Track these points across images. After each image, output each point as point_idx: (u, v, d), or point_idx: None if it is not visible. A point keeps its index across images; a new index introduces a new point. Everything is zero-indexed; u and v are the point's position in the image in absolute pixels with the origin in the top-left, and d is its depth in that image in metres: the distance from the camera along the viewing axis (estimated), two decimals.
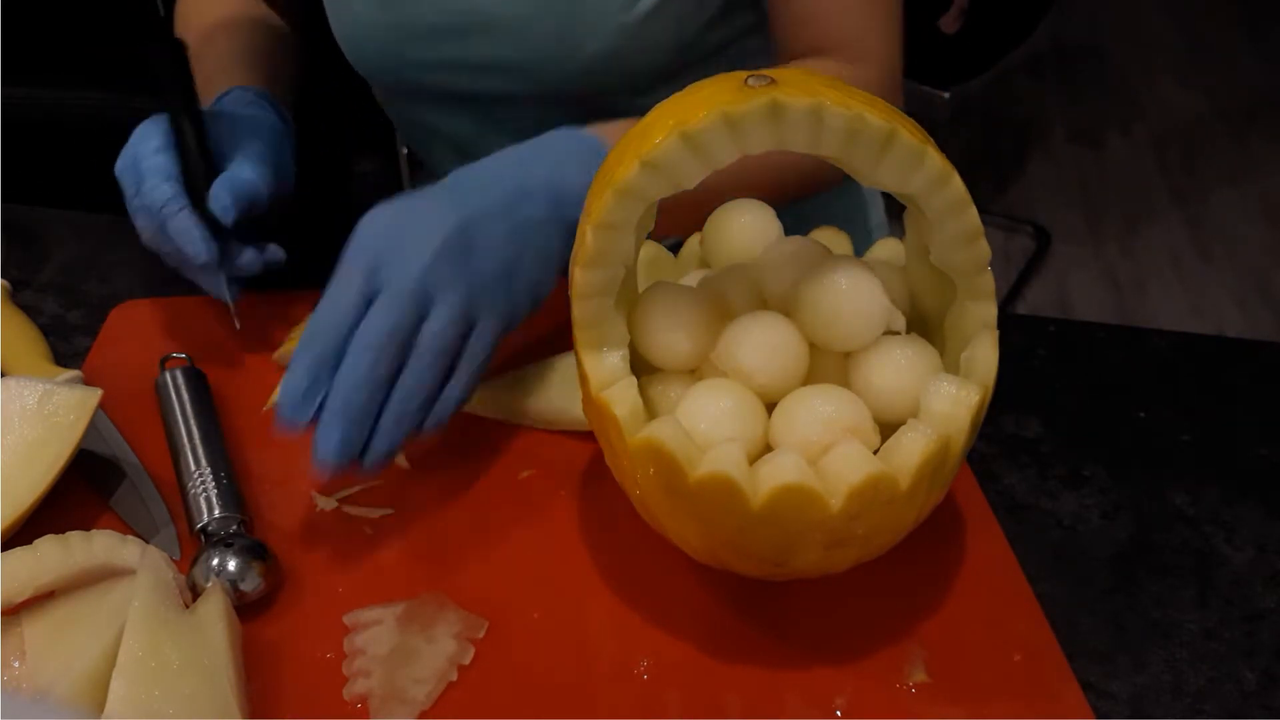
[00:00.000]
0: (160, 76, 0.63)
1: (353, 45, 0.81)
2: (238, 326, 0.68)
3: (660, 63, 0.75)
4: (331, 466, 0.52)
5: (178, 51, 0.63)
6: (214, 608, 0.49)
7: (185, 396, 0.62)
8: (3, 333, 0.68)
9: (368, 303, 0.54)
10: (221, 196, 0.63)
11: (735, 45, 0.80)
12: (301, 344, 0.54)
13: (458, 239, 0.55)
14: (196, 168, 0.64)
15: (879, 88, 0.73)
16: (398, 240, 0.55)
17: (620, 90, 0.75)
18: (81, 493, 0.58)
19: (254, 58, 0.78)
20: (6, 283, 0.73)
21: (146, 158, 0.64)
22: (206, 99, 0.72)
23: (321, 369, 0.53)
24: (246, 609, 0.52)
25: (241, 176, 0.64)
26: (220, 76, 0.75)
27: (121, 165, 0.66)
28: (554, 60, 0.74)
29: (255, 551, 0.53)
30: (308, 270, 0.72)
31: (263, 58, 0.78)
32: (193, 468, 0.57)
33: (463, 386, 0.56)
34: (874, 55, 0.74)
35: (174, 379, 0.63)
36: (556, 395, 0.62)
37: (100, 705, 0.44)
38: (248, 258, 0.66)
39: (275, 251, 0.67)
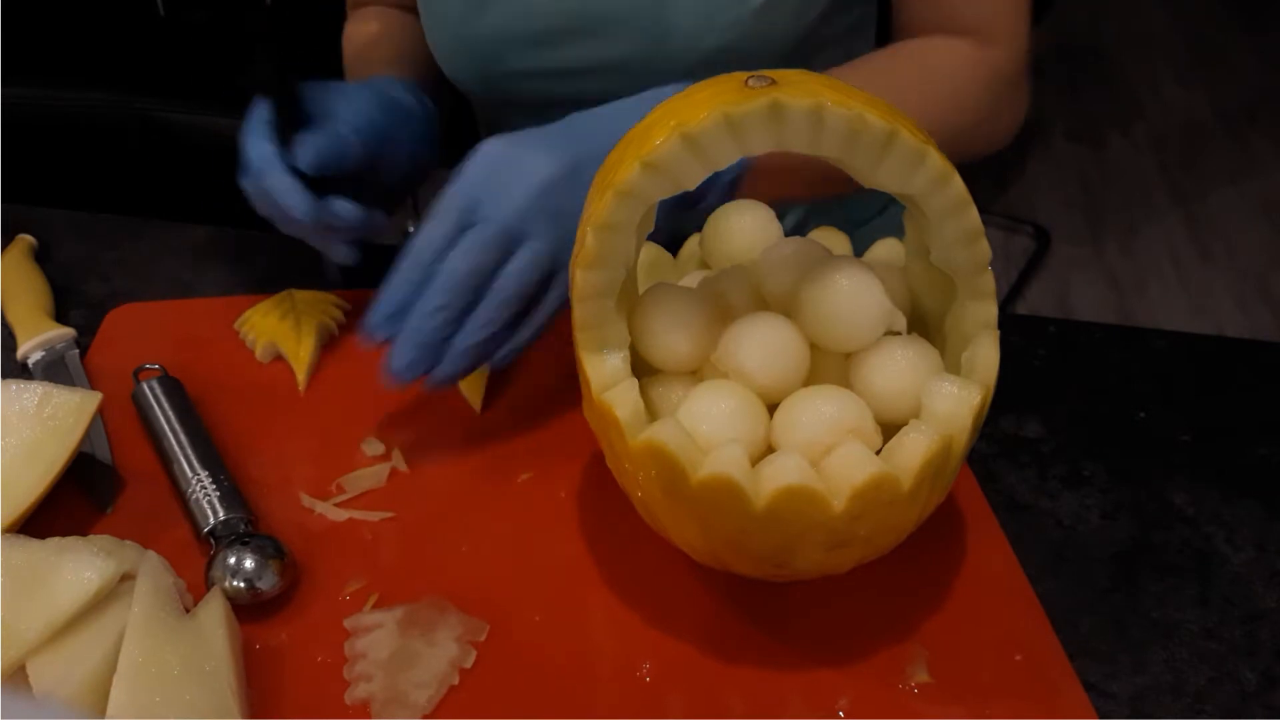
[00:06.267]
0: (254, 46, 0.63)
1: (449, 55, 0.80)
2: (335, 279, 0.68)
3: (772, 59, 0.73)
4: (398, 382, 0.57)
5: (268, 20, 0.63)
6: (214, 612, 0.49)
7: (166, 406, 0.62)
8: (11, 282, 0.72)
9: (462, 233, 0.57)
10: (300, 147, 0.62)
11: (849, 36, 0.79)
12: (397, 265, 0.57)
13: (558, 182, 0.56)
14: (288, 127, 0.64)
15: (1007, 70, 0.73)
16: (499, 177, 0.57)
17: None
18: (79, 496, 0.58)
19: (403, 60, 0.80)
20: (33, 239, 0.77)
21: (251, 125, 0.64)
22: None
23: (408, 292, 0.57)
24: (248, 612, 0.52)
25: (324, 132, 0.63)
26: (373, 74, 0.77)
27: (241, 134, 0.66)
28: (665, 58, 0.72)
29: (271, 549, 0.53)
30: (312, 269, 0.72)
31: (409, 60, 0.80)
32: (189, 473, 0.57)
33: (534, 328, 0.58)
34: (1005, 37, 0.73)
35: (151, 390, 0.63)
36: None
37: (101, 710, 0.44)
38: (343, 210, 0.64)
39: (379, 218, 0.66)
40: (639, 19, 0.72)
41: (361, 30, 0.87)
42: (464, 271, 0.56)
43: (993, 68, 0.73)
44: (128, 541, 0.52)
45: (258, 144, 0.63)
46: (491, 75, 0.78)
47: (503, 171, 0.57)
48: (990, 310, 0.49)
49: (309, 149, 0.62)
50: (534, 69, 0.76)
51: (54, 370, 0.66)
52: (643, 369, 0.51)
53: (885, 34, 0.81)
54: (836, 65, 0.72)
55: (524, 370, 0.67)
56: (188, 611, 0.50)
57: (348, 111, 0.66)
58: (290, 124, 0.64)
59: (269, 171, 0.62)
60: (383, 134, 0.67)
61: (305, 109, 0.65)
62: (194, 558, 0.54)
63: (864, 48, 0.79)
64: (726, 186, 0.62)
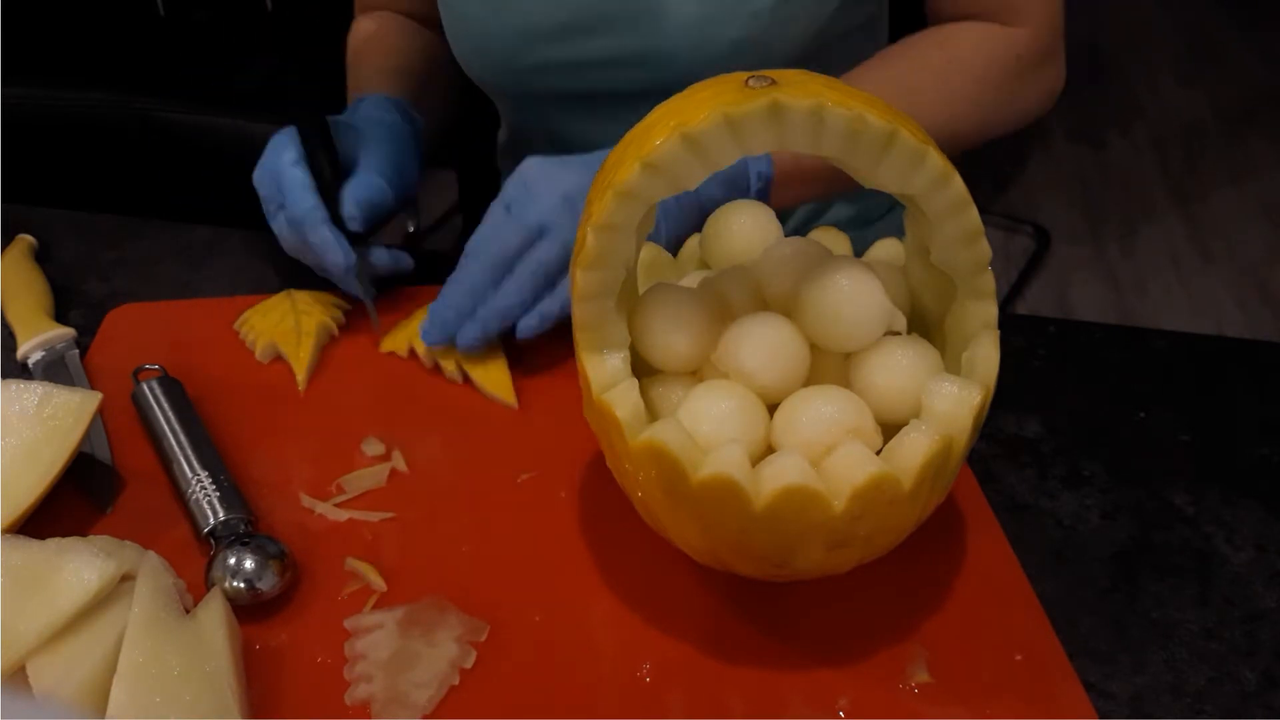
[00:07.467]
0: (290, 94, 0.66)
1: (472, 53, 0.82)
2: (376, 324, 0.70)
3: (793, 50, 0.75)
4: (430, 341, 0.66)
5: (305, 72, 0.67)
6: (214, 612, 0.49)
7: (166, 406, 0.62)
8: (11, 282, 0.72)
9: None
10: (349, 207, 0.68)
11: (865, 28, 0.80)
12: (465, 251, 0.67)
13: (580, 191, 0.64)
14: (328, 177, 0.68)
15: (1031, 48, 0.74)
16: (533, 185, 0.65)
17: None
18: (80, 496, 0.58)
19: (397, 73, 0.83)
20: (33, 239, 0.78)
21: (285, 170, 0.68)
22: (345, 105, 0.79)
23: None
24: (248, 612, 0.52)
25: (366, 185, 0.68)
26: (364, 87, 0.81)
27: (260, 175, 0.70)
28: (687, 50, 0.74)
29: (271, 549, 0.53)
30: (312, 271, 0.72)
31: (404, 73, 0.83)
32: (189, 474, 0.57)
33: (560, 303, 0.64)
34: (1028, 17, 0.74)
35: (151, 390, 0.63)
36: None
37: (101, 711, 0.44)
38: (380, 257, 0.71)
39: (405, 258, 0.72)
40: (671, 11, 0.73)
41: (360, 31, 0.89)
42: (493, 254, 0.64)
43: (1014, 48, 0.74)
44: (128, 541, 0.52)
45: (303, 197, 0.67)
46: (512, 71, 0.80)
47: (535, 181, 0.65)
48: (990, 310, 0.49)
49: (354, 209, 0.67)
50: (554, 62, 0.78)
51: (54, 370, 0.66)
52: (643, 369, 0.51)
53: (896, 33, 0.81)
54: (855, 54, 0.74)
55: (525, 371, 0.67)
56: (188, 612, 0.49)
57: (378, 160, 0.70)
58: (327, 166, 0.68)
59: (313, 227, 0.67)
60: (406, 175, 0.72)
61: (338, 153, 0.68)
62: (194, 558, 0.54)
63: (874, 47, 0.80)
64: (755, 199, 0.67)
